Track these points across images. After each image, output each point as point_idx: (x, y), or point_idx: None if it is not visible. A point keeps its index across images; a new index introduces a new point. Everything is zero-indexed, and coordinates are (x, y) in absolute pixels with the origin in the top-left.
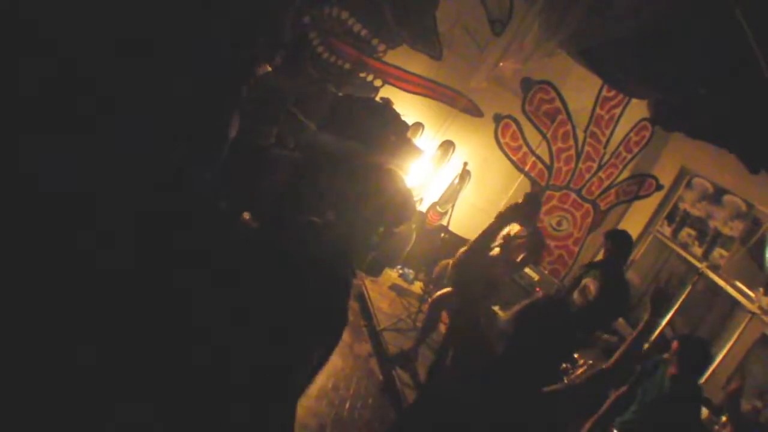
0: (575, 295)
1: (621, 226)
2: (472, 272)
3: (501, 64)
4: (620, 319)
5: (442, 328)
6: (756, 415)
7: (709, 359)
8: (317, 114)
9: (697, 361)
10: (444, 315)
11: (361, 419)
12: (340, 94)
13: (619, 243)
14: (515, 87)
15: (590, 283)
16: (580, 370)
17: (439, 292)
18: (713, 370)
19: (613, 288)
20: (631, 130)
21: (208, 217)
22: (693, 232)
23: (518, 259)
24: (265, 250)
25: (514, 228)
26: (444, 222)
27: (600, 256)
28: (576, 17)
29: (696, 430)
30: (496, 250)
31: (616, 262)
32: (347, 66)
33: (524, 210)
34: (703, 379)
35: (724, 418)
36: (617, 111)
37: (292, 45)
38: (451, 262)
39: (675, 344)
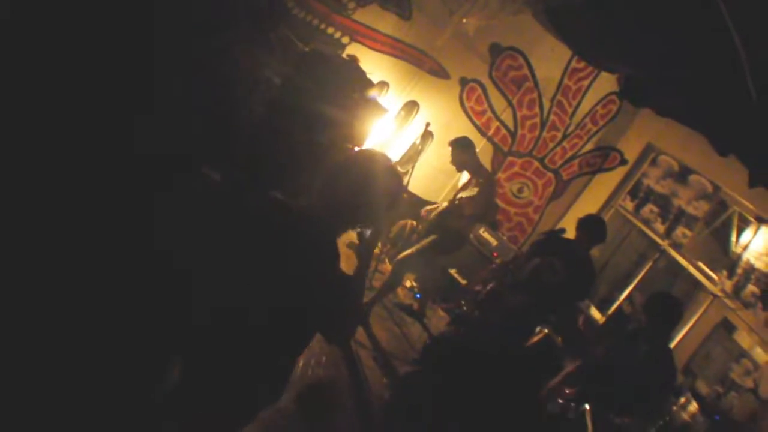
0: (544, 273)
1: (583, 198)
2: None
3: (464, 20)
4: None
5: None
6: (717, 399)
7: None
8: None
9: (668, 313)
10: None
11: (313, 376)
12: (307, 49)
13: (593, 231)
14: (483, 52)
15: (557, 262)
16: (537, 338)
17: (403, 254)
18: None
19: (581, 269)
20: (599, 103)
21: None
22: (656, 209)
23: (468, 213)
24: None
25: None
26: (404, 182)
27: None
28: None
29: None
30: (444, 204)
31: (586, 244)
32: (316, 22)
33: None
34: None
35: (683, 399)
36: (585, 83)
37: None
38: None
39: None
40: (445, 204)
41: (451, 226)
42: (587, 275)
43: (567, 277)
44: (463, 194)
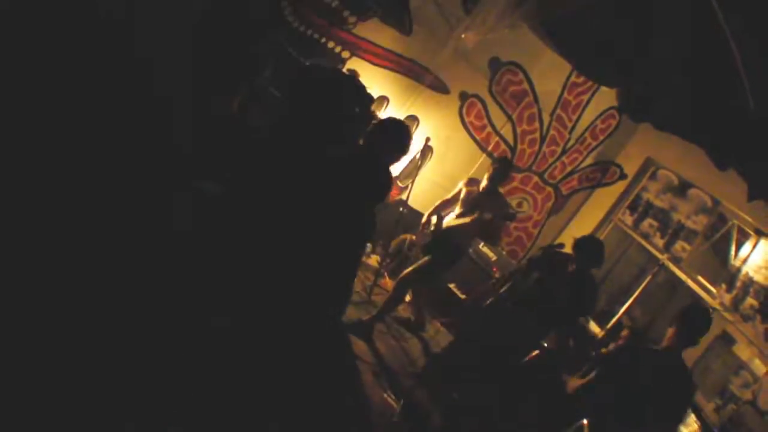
0: (545, 294)
1: (582, 212)
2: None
3: (463, 35)
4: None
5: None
6: (716, 411)
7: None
8: (283, 83)
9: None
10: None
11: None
12: (307, 63)
13: (587, 256)
14: (483, 66)
15: (558, 282)
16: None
17: (408, 270)
18: None
19: (583, 288)
20: (598, 117)
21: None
22: (655, 223)
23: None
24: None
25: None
26: (403, 197)
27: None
28: None
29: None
30: (465, 220)
31: (585, 265)
32: (316, 36)
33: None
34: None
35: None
36: (585, 97)
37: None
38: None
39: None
40: (465, 220)
41: (455, 241)
42: (589, 294)
43: (568, 297)
44: (486, 215)
